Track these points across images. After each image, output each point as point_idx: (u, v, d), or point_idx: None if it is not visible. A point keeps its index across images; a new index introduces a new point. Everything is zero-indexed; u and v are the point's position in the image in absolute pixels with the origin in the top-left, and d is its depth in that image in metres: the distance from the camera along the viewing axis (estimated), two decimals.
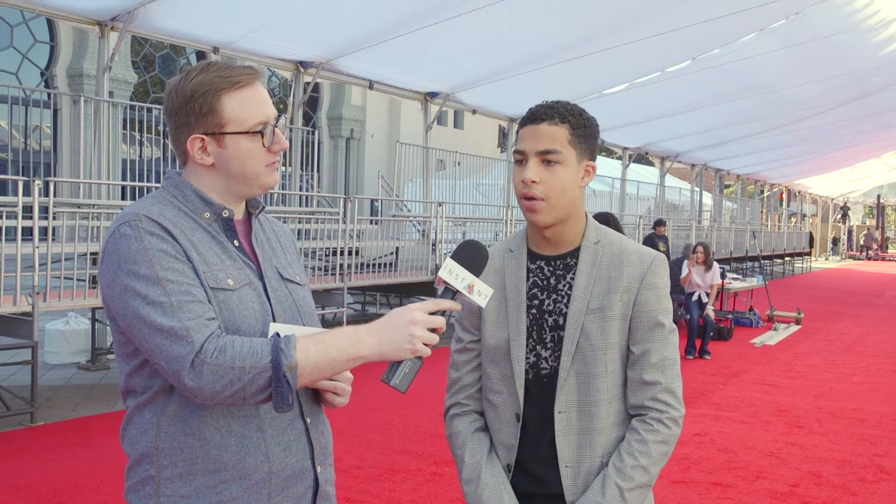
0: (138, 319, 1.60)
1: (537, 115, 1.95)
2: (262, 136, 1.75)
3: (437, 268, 11.46)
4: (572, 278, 2.01)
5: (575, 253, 2.03)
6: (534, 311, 2.02)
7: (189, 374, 1.56)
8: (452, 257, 1.77)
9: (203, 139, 1.74)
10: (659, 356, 1.97)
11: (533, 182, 1.93)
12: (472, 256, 1.78)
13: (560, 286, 2.02)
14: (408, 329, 1.66)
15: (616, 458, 1.94)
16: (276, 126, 1.78)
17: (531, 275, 2.05)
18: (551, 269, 2.03)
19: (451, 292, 1.75)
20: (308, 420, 1.82)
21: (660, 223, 15.12)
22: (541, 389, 2.00)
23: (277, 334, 1.65)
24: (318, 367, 1.63)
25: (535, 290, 2.03)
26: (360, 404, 7.24)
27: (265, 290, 1.78)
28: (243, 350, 1.58)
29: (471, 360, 2.11)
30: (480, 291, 1.77)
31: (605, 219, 5.72)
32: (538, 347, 2.01)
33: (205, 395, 1.58)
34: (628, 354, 2.01)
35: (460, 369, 2.12)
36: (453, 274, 1.75)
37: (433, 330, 1.68)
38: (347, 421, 6.68)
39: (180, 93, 1.73)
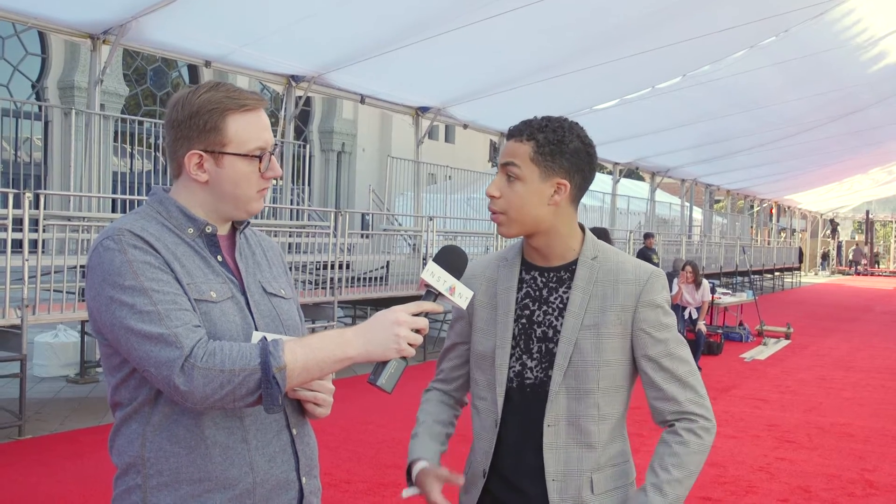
0: (125, 329, 1.61)
1: (510, 132, 2.02)
2: (260, 162, 1.78)
3: None
4: (564, 292, 2.02)
5: (569, 267, 2.03)
6: (524, 321, 2.03)
7: (180, 378, 1.57)
8: (434, 260, 1.80)
9: (201, 156, 1.75)
10: (671, 372, 1.98)
11: (493, 196, 1.98)
12: (452, 260, 1.82)
13: (552, 298, 2.02)
14: (393, 329, 1.69)
15: (651, 475, 1.95)
16: (272, 154, 1.81)
17: (525, 285, 2.06)
18: (544, 280, 2.05)
19: (433, 294, 1.79)
20: (294, 431, 1.83)
21: (648, 235, 15.47)
22: (524, 398, 2.01)
23: (265, 338, 1.67)
24: (307, 369, 1.65)
25: (528, 300, 2.05)
26: (349, 418, 7.22)
27: (247, 305, 1.80)
28: (232, 353, 1.60)
29: (454, 357, 2.19)
30: (461, 294, 1.81)
31: (596, 233, 5.75)
32: (524, 357, 2.02)
33: (195, 398, 1.59)
34: (633, 373, 2.02)
35: (441, 363, 2.23)
36: (435, 276, 1.78)
37: (417, 331, 1.71)
38: (336, 435, 6.66)
39: (186, 106, 1.75)
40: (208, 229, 1.79)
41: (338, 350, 1.68)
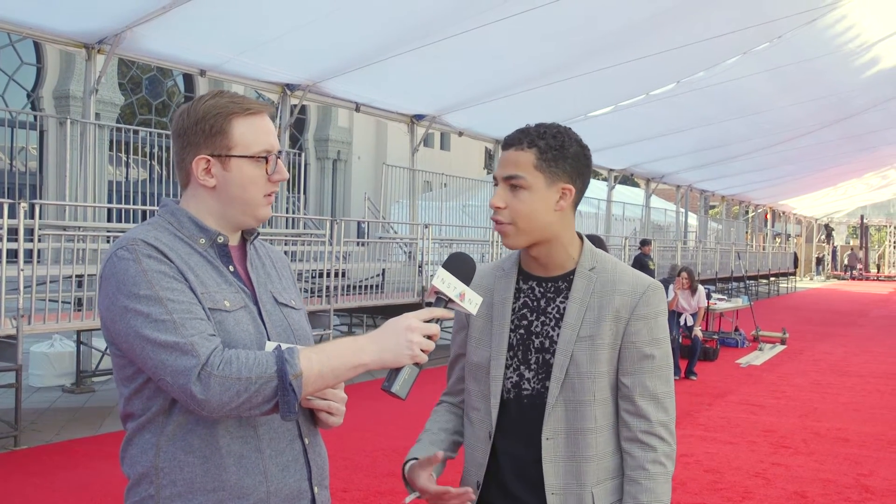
0: (141, 338, 1.62)
1: (508, 141, 1.98)
2: (266, 163, 1.80)
3: (424, 290, 11.55)
4: (561, 302, 2.00)
5: (567, 277, 2.02)
6: (521, 331, 2.02)
7: (196, 386, 1.58)
8: (444, 267, 1.82)
9: (209, 160, 1.77)
10: (649, 389, 1.95)
11: (498, 208, 1.95)
12: (461, 266, 1.84)
13: (549, 309, 2.01)
14: (406, 335, 1.70)
15: None
16: (279, 157, 1.83)
17: (522, 295, 2.05)
18: (542, 290, 2.03)
19: (443, 301, 1.80)
20: (306, 441, 1.85)
21: (645, 242, 15.51)
22: (521, 410, 1.99)
23: (279, 346, 1.69)
24: (322, 376, 1.66)
25: (525, 310, 2.03)
26: (345, 426, 7.20)
27: (260, 314, 1.81)
28: (249, 361, 1.61)
29: (458, 370, 2.19)
30: (471, 300, 1.82)
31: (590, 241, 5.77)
32: (522, 368, 2.00)
33: (212, 406, 1.59)
34: (618, 385, 1.98)
35: (449, 376, 2.23)
36: (445, 283, 1.80)
37: (429, 337, 1.73)
38: (333, 443, 6.64)
39: (192, 114, 1.78)
40: (220, 239, 1.81)
41: (352, 357, 1.69)
